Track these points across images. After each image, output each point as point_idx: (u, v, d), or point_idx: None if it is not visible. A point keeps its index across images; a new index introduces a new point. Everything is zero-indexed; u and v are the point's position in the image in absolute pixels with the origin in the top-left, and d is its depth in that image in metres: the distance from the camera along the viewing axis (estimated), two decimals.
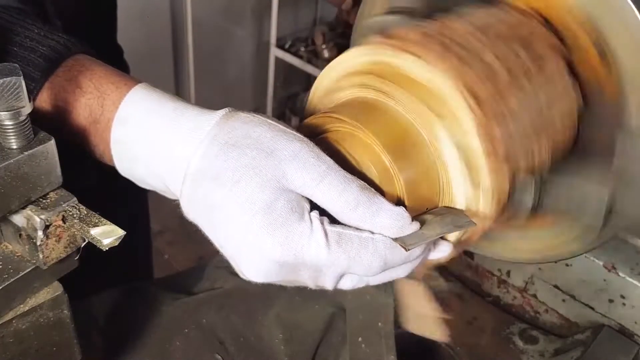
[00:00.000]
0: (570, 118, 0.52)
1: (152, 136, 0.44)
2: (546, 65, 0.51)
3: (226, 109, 0.44)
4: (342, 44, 2.39)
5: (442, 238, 0.49)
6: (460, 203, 0.47)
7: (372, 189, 0.42)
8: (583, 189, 0.52)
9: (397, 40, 0.47)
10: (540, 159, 0.49)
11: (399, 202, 0.45)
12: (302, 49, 2.42)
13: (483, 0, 0.55)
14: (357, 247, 0.41)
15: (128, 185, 0.49)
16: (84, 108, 0.46)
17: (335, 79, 0.52)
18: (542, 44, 0.52)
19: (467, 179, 0.45)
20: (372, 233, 0.42)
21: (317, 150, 0.42)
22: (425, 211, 0.47)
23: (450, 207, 0.47)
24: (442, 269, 0.81)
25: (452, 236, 0.49)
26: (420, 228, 0.43)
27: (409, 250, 0.42)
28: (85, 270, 0.45)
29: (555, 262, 0.65)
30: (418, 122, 0.46)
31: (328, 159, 0.42)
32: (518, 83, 0.48)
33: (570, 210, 0.53)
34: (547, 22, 0.53)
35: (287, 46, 2.39)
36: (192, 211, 0.44)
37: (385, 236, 0.42)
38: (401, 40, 0.47)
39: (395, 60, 0.47)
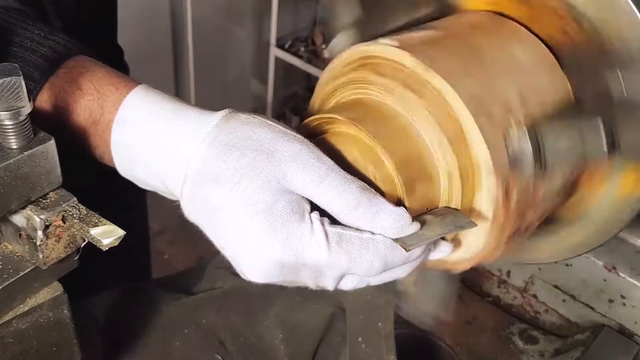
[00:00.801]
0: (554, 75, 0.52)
1: (152, 137, 0.44)
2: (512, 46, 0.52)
3: (226, 110, 0.44)
4: None
5: (443, 238, 0.49)
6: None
7: (372, 190, 0.42)
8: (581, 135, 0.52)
9: (397, 41, 0.48)
10: (528, 110, 0.49)
11: (399, 202, 0.45)
12: (302, 49, 2.41)
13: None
14: (357, 248, 0.41)
15: (128, 185, 0.49)
16: (84, 109, 0.46)
17: (336, 79, 0.52)
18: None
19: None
20: (373, 234, 0.42)
21: (317, 151, 0.42)
22: (426, 211, 0.47)
23: (451, 208, 0.47)
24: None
25: (451, 236, 0.49)
26: (421, 228, 0.43)
27: (409, 250, 0.42)
28: (85, 270, 0.45)
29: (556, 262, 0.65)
30: (417, 122, 0.46)
31: (328, 159, 0.42)
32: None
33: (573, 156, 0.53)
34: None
35: (287, 46, 2.38)
36: (192, 212, 0.44)
37: (386, 237, 0.42)
38: (402, 41, 0.48)
39: (394, 56, 0.47)
